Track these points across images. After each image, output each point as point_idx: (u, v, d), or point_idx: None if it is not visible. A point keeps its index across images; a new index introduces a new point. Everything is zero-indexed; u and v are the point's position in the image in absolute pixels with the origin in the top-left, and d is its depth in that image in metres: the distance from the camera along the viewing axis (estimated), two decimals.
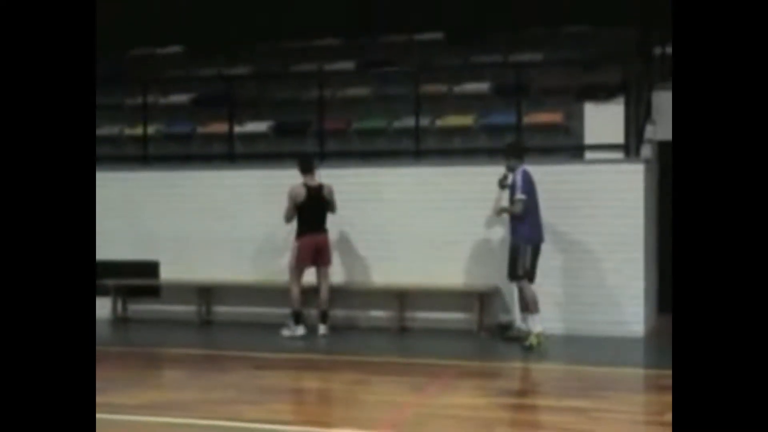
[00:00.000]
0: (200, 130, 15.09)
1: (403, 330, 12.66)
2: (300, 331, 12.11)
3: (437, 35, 15.52)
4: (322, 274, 12.19)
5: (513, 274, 11.25)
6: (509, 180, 11.34)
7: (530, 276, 11.21)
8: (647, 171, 12.06)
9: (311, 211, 12.04)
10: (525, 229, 11.15)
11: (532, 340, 10.99)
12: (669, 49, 13.36)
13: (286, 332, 12.10)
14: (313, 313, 12.34)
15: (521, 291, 11.25)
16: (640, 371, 10.45)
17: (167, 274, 13.83)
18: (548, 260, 11.71)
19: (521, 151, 11.55)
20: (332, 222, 12.51)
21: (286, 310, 12.43)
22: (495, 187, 11.66)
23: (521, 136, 12.85)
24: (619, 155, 12.32)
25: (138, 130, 14.82)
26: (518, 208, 11.08)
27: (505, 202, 11.50)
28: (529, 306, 11.15)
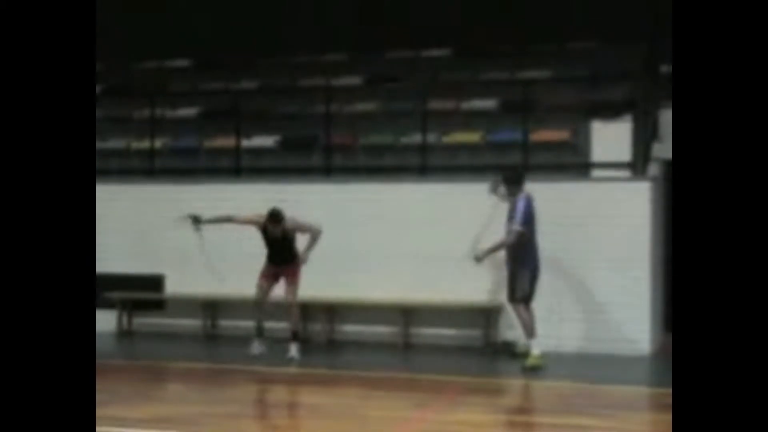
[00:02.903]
0: (207, 143, 15.12)
1: (407, 346, 12.64)
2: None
3: (445, 51, 15.53)
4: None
5: (512, 297, 11.20)
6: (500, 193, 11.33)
7: (528, 299, 11.15)
8: (654, 189, 12.05)
9: None
10: (523, 255, 11.08)
11: (531, 362, 10.93)
12: None
13: (294, 353, 11.77)
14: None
15: (519, 314, 11.16)
16: (645, 390, 10.43)
17: (172, 287, 13.82)
18: (554, 278, 11.69)
19: (521, 177, 11.33)
20: (338, 237, 12.51)
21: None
22: (502, 204, 11.55)
23: (526, 155, 12.86)
24: (625, 173, 12.32)
25: (145, 144, 14.85)
26: (511, 239, 10.98)
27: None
28: (526, 331, 11.08)
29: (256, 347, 11.71)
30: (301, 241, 11.78)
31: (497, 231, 11.27)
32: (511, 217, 11.06)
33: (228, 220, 11.77)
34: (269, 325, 11.92)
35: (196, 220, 11.77)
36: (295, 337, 11.71)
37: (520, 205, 11.03)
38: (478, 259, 11.20)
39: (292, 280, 11.68)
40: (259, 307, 11.86)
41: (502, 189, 11.48)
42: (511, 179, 11.28)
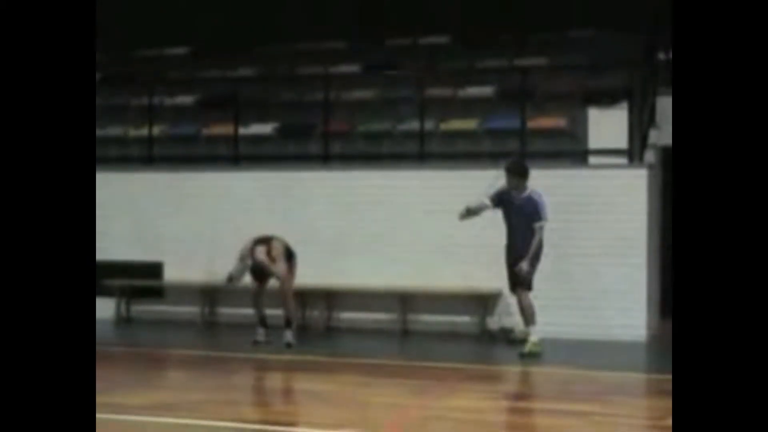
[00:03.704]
0: (205, 131, 15.12)
1: (405, 333, 12.68)
2: None
3: (442, 39, 15.52)
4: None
5: (520, 285, 11.10)
6: (486, 203, 11.12)
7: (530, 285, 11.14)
8: (651, 176, 12.08)
9: None
10: (540, 247, 11.05)
11: (529, 348, 10.92)
12: None
13: (290, 338, 11.78)
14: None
15: (522, 300, 11.12)
16: (643, 376, 10.47)
17: (171, 275, 13.84)
18: (552, 264, 11.71)
19: (526, 170, 11.11)
20: (336, 224, 12.52)
21: None
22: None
23: (523, 142, 12.87)
24: (622, 160, 12.35)
25: (143, 131, 14.85)
26: (541, 235, 10.93)
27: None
28: (527, 317, 11.03)
29: (261, 335, 11.71)
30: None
31: (496, 221, 11.27)
32: (534, 215, 10.95)
33: (244, 260, 11.60)
34: (268, 312, 11.92)
35: (231, 280, 11.65)
36: (288, 324, 11.70)
37: (539, 200, 10.92)
38: (524, 269, 10.89)
39: (290, 270, 11.68)
40: (256, 298, 11.83)
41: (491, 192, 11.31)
42: (519, 172, 11.06)
